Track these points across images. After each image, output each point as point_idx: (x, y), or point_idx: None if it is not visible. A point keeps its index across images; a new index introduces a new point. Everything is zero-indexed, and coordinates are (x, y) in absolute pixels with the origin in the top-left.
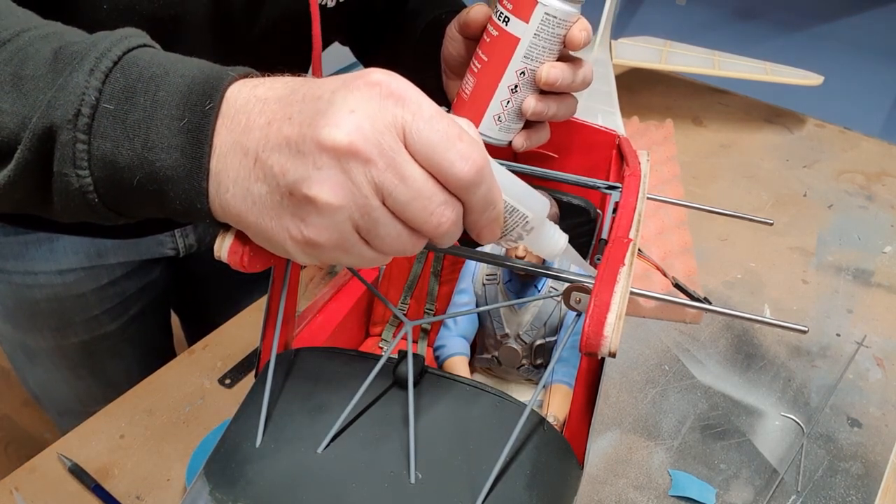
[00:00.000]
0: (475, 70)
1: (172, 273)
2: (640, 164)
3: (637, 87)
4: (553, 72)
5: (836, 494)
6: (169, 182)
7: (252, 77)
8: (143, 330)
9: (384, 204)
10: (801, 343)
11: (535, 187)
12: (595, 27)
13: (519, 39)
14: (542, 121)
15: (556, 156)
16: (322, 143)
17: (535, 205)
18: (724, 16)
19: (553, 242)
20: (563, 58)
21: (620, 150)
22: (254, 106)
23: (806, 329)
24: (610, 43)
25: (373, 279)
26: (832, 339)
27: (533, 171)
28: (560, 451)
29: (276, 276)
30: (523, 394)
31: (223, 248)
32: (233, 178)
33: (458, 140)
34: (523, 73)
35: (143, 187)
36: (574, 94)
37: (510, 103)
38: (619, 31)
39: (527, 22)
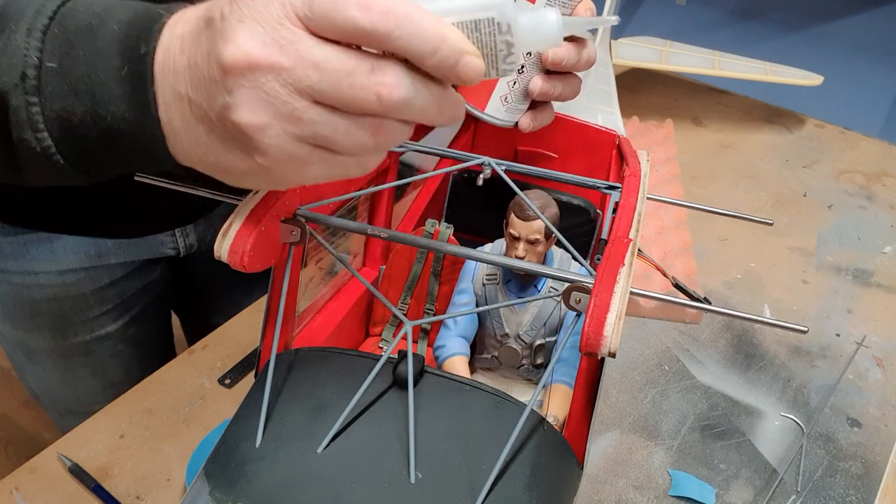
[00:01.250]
0: None
1: (173, 273)
2: (639, 164)
3: (637, 87)
4: (558, 51)
5: (835, 494)
6: (124, 136)
7: (179, 13)
8: (144, 330)
9: (315, 103)
10: (800, 343)
11: (535, 187)
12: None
13: None
14: (547, 101)
15: (556, 156)
16: (224, 66)
17: (489, 2)
18: (724, 16)
19: (545, 23)
20: (568, 38)
21: (620, 150)
22: (175, 45)
23: (806, 329)
24: (610, 43)
25: (373, 279)
26: (832, 340)
27: (533, 171)
28: (560, 451)
29: (276, 276)
30: (523, 394)
31: (223, 248)
32: (181, 126)
33: None
34: (529, 53)
35: (103, 143)
36: (578, 73)
37: (516, 84)
38: (619, 31)
39: (533, 2)
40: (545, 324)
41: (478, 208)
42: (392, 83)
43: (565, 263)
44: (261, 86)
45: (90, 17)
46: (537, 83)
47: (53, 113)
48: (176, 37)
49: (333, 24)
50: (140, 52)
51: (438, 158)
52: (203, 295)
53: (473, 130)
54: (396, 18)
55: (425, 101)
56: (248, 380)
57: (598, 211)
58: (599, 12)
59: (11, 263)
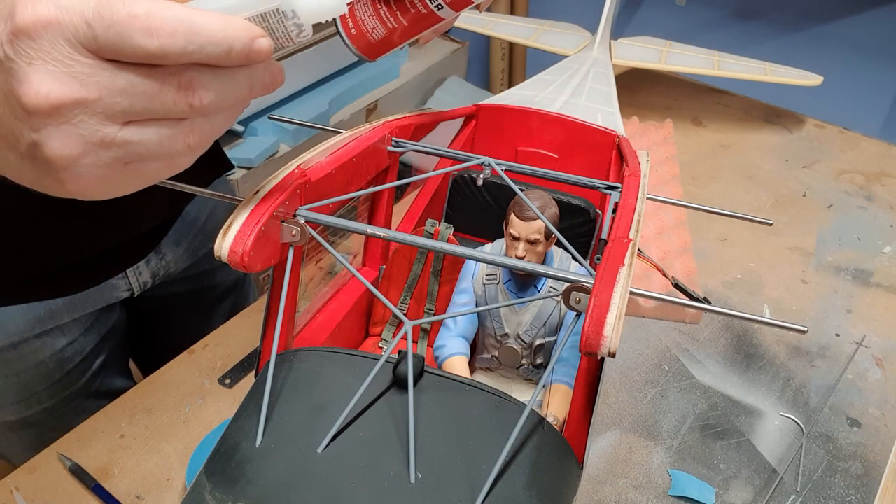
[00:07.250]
0: None
1: (128, 314)
2: (639, 164)
3: (637, 87)
4: None
5: (835, 494)
6: None
7: None
8: (108, 380)
9: (126, 124)
10: (800, 343)
11: (535, 188)
12: (595, 27)
13: None
14: None
15: (556, 156)
16: (27, 108)
17: None
18: (724, 16)
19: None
20: None
21: (620, 150)
22: None
23: (805, 329)
24: (610, 43)
25: (373, 279)
26: (831, 340)
27: (533, 171)
28: (560, 451)
29: (276, 277)
30: (523, 394)
31: (223, 247)
32: None
33: (134, 21)
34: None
35: None
36: None
37: None
38: (619, 31)
39: None
40: (545, 324)
41: (478, 208)
42: (200, 90)
43: (565, 263)
44: (69, 120)
45: None
46: None
47: None
48: None
49: (125, 53)
50: None
51: (438, 158)
52: (159, 328)
53: (473, 130)
54: (185, 36)
55: (235, 89)
56: (248, 380)
57: (598, 211)
58: (599, 12)
59: None
